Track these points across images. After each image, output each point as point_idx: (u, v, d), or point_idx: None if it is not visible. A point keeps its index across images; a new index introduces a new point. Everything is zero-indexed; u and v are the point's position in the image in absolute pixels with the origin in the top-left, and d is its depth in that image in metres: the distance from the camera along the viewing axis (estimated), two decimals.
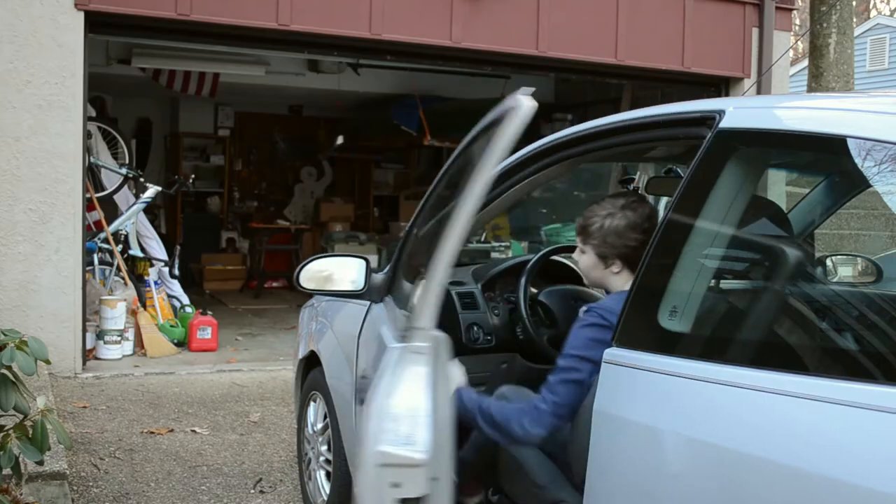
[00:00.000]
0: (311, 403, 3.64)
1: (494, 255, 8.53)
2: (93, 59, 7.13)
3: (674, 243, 1.85)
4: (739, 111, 1.85)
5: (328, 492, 3.43)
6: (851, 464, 1.31)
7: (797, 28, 16.18)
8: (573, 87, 10.57)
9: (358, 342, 3.06)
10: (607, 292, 2.41)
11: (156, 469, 4.21)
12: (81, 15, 5.89)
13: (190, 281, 10.05)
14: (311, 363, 3.71)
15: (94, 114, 7.98)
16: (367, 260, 2.82)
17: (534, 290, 3.08)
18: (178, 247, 7.96)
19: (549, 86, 10.84)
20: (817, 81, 7.84)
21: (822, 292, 2.26)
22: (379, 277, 2.82)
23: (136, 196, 7.82)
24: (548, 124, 10.15)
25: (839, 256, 2.93)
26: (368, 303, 3.05)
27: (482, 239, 8.70)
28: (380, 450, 1.92)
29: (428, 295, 1.95)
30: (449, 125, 9.68)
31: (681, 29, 7.61)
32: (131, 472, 4.15)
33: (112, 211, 7.97)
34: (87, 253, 6.63)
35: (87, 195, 6.59)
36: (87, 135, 6.64)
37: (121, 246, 7.38)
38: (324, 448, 3.47)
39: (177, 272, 7.68)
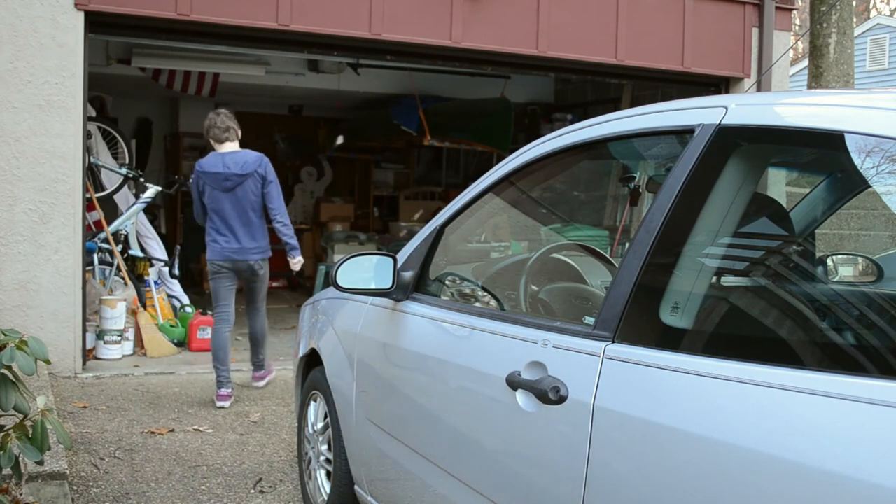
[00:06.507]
0: (312, 403, 3.64)
1: (494, 255, 8.52)
2: (93, 59, 7.14)
3: (675, 239, 1.85)
4: (741, 108, 1.84)
5: (328, 491, 3.42)
6: (852, 458, 1.31)
7: (797, 28, 16.16)
8: (573, 87, 10.58)
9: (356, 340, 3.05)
10: None
11: (156, 469, 4.20)
12: (81, 15, 5.90)
13: (190, 281, 10.05)
14: (311, 363, 3.70)
15: (94, 114, 7.99)
16: (394, 258, 2.81)
17: (534, 288, 3.08)
18: (178, 247, 7.96)
19: (549, 86, 10.84)
20: (817, 81, 7.85)
21: (823, 291, 2.25)
22: (406, 276, 2.80)
23: (136, 196, 7.82)
24: (547, 124, 10.17)
25: (840, 256, 2.92)
26: (369, 300, 3.04)
27: (482, 238, 8.70)
28: None
29: None
30: (449, 125, 9.67)
31: (681, 29, 7.61)
32: (131, 472, 4.15)
33: (112, 211, 7.97)
34: (87, 253, 6.63)
35: (87, 195, 6.59)
36: (87, 135, 6.64)
37: (121, 246, 7.38)
38: (324, 448, 3.47)
39: (177, 272, 7.68)
